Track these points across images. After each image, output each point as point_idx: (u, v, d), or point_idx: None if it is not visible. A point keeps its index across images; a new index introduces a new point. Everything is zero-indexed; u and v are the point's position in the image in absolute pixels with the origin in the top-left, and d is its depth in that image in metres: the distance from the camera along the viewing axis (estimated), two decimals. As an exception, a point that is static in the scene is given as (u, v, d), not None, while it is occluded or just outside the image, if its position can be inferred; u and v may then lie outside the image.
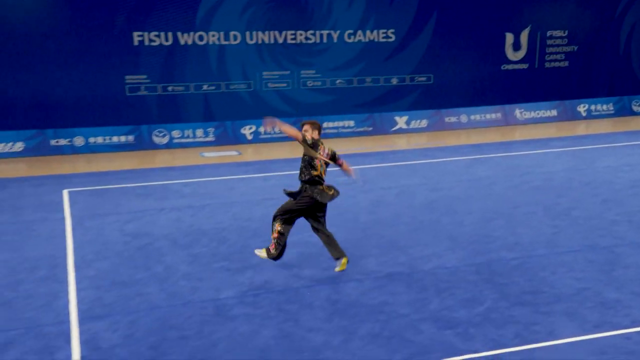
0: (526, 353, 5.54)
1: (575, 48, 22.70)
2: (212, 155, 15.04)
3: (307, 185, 7.15)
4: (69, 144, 15.37)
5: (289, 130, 7.07)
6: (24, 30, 16.73)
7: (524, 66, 22.24)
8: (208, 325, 6.16)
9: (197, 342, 5.83)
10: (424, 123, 17.93)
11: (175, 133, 16.03)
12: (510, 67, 22.08)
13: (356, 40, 20.11)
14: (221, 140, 16.29)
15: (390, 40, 20.42)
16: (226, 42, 18.97)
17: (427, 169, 12.86)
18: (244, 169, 13.24)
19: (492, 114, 18.66)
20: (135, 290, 7.02)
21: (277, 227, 7.22)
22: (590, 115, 19.48)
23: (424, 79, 20.99)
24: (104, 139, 15.54)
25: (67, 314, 6.46)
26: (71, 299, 6.84)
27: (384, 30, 20.29)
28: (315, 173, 7.12)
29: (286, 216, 7.30)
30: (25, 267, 7.80)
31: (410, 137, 17.34)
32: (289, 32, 19.46)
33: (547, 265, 7.56)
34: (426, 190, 11.10)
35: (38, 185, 11.99)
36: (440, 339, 5.79)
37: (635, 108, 20.01)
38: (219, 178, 12.33)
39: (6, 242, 8.74)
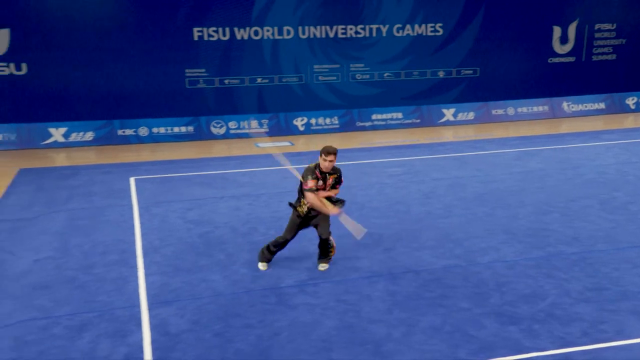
0: (595, 352, 5.17)
1: (624, 41, 21.82)
2: (267, 145, 14.85)
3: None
4: (134, 134, 15.42)
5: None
6: (94, 28, 16.97)
7: (571, 59, 21.47)
8: (270, 314, 5.97)
9: (261, 331, 5.64)
10: (471, 115, 17.42)
11: (232, 124, 15.93)
12: (557, 60, 21.34)
13: (404, 34, 19.71)
14: (274, 131, 16.12)
15: (438, 34, 19.96)
16: (280, 37, 18.84)
17: (477, 161, 12.42)
18: (296, 159, 12.95)
19: (540, 106, 18.03)
20: (200, 277, 6.90)
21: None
22: (639, 109, 18.64)
23: (470, 72, 20.49)
24: (166, 130, 15.56)
25: (137, 298, 6.39)
26: (140, 283, 6.78)
27: (432, 24, 19.85)
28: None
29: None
30: (97, 251, 7.79)
31: (457, 129, 16.88)
32: (340, 27, 19.20)
33: (609, 261, 7.12)
34: (477, 183, 10.68)
35: (107, 173, 12.05)
36: (504, 335, 5.46)
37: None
38: (274, 168, 12.11)
39: (80, 227, 8.75)
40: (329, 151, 6.76)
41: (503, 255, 7.34)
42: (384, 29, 19.53)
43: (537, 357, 5.10)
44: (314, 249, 7.44)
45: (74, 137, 15.06)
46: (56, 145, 15.02)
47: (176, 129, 15.62)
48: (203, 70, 18.37)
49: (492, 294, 6.29)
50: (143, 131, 15.42)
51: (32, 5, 16.80)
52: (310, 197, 6.71)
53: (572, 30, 21.20)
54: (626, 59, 21.92)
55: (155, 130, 15.51)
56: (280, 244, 7.08)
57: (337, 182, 7.08)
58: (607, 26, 21.58)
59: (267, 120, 16.15)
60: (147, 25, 17.41)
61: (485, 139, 14.93)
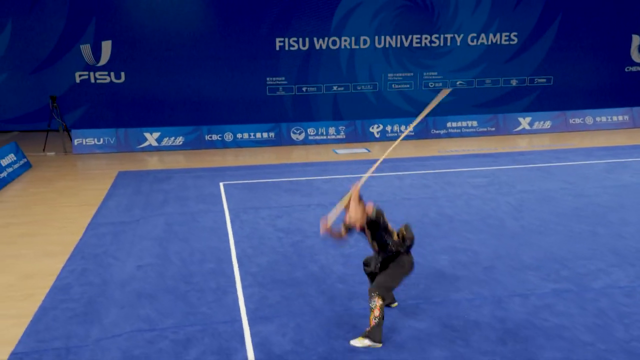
0: None
1: None
2: (344, 152, 14.22)
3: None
4: (220, 139, 15.05)
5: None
6: (183, 39, 16.98)
7: (649, 68, 20.07)
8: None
9: (366, 357, 4.99)
10: (547, 124, 16.26)
11: (310, 130, 15.37)
12: (635, 69, 19.99)
13: (479, 43, 18.90)
14: (351, 138, 15.47)
15: (512, 42, 19.06)
16: (356, 47, 18.41)
17: (564, 172, 11.38)
18: (379, 169, 12.28)
19: (620, 116, 16.70)
20: (297, 291, 6.28)
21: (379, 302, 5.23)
22: None
23: (543, 80, 19.48)
24: (249, 135, 15.14)
25: (238, 312, 5.85)
26: (239, 296, 6.22)
27: (507, 33, 18.97)
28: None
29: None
30: (194, 259, 7.30)
31: (532, 138, 15.78)
32: (415, 36, 18.57)
33: None
34: (570, 196, 9.69)
35: (197, 178, 11.61)
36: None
37: None
38: (354, 175, 11.45)
39: (177, 233, 8.30)
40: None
41: (616, 280, 6.41)
42: (459, 38, 18.77)
43: (685, 408, 4.27)
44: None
45: (165, 141, 14.83)
46: (150, 148, 14.84)
47: (258, 135, 15.19)
48: (283, 78, 18.13)
49: (616, 326, 5.41)
50: (228, 137, 15.05)
51: (132, 18, 16.89)
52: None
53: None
54: None
55: (239, 135, 15.12)
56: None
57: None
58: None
59: (344, 127, 15.51)
60: (232, 35, 17.36)
61: (567, 149, 13.81)
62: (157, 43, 16.80)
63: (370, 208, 5.47)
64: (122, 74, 17.04)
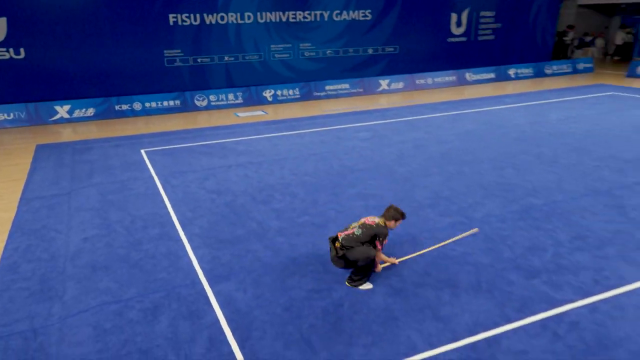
0: (614, 300, 4.55)
1: (500, 25, 21.53)
2: (244, 115, 13.38)
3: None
4: (129, 108, 13.36)
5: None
6: (82, 15, 14.69)
7: (464, 39, 21.00)
8: (323, 283, 4.94)
9: (323, 302, 4.63)
10: (400, 85, 16.51)
11: (212, 97, 14.19)
12: (454, 40, 20.80)
13: (342, 18, 18.45)
14: (248, 102, 14.54)
15: (367, 18, 18.84)
16: (242, 22, 17.13)
17: (423, 124, 11.54)
18: (277, 127, 11.69)
19: (449, 77, 17.35)
20: (243, 248, 5.69)
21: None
22: (517, 77, 18.38)
23: (392, 49, 19.58)
24: (157, 104, 13.61)
25: (195, 274, 5.18)
26: (192, 258, 5.51)
27: (363, 11, 18.69)
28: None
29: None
30: (137, 226, 6.33)
31: (390, 97, 15.92)
32: (291, 13, 17.69)
33: (573, 210, 6.49)
34: (434, 143, 9.81)
35: (117, 147, 10.14)
36: (534, 289, 4.74)
37: (547, 71, 18.99)
38: (263, 136, 10.79)
39: (112, 202, 7.15)
40: (404, 216, 5.01)
41: (491, 210, 6.58)
42: (326, 14, 18.20)
43: (573, 309, 4.43)
44: (333, 214, 6.45)
45: (77, 113, 12.89)
46: (62, 121, 12.85)
47: (165, 103, 13.73)
48: (179, 50, 16.52)
49: (502, 248, 5.54)
50: (137, 106, 13.44)
51: (26, -5, 14.19)
52: (380, 255, 4.95)
53: (464, 16, 20.64)
54: (502, 39, 21.74)
55: (147, 104, 13.56)
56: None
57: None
58: (489, 13, 21.18)
59: (241, 93, 14.53)
60: (128, 11, 15.38)
61: (419, 104, 14.07)
62: (54, 18, 14.35)
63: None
64: (22, 50, 14.45)
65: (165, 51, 16.17)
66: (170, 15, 15.83)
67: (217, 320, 4.39)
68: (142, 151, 9.75)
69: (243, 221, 6.42)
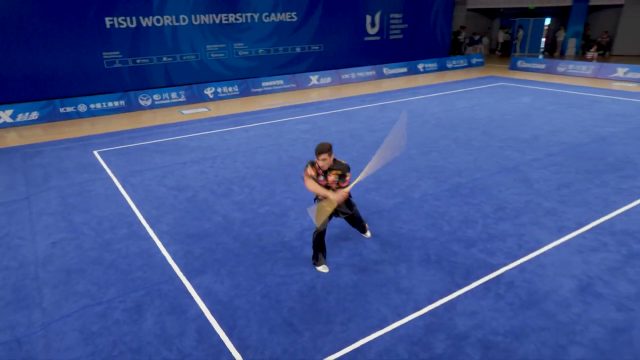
0: (536, 260, 4.89)
1: (407, 26, 22.10)
2: (189, 112, 12.72)
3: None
4: (74, 110, 12.18)
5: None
6: (19, 19, 13.12)
7: (378, 38, 21.34)
8: (294, 267, 4.87)
9: (299, 286, 4.55)
10: (328, 79, 16.48)
11: (156, 96, 13.31)
12: (370, 38, 21.07)
13: (271, 20, 18.02)
14: (190, 100, 13.80)
15: (293, 20, 18.54)
16: (177, 24, 16.22)
17: (356, 115, 11.62)
18: (222, 123, 11.25)
19: (370, 71, 17.57)
20: (213, 242, 5.44)
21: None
22: (425, 71, 19.03)
23: (317, 47, 19.48)
24: (102, 105, 12.54)
25: (171, 270, 4.87)
26: (165, 255, 5.16)
27: (289, 13, 18.37)
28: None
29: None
30: (105, 227, 5.83)
31: (320, 91, 15.86)
32: (223, 15, 17.01)
33: (491, 185, 6.87)
34: (368, 132, 9.93)
35: (68, 149, 9.23)
36: (474, 257, 4.97)
37: (448, 65, 19.84)
38: (212, 132, 10.33)
39: (74, 205, 6.52)
40: (320, 150, 4.38)
41: (425, 189, 6.79)
42: (256, 17, 17.70)
43: (507, 271, 4.71)
44: (289, 203, 6.33)
45: (20, 117, 11.57)
46: (5, 125, 11.48)
47: (110, 104, 12.70)
48: (118, 52, 15.36)
49: (442, 223, 5.75)
50: (82, 107, 12.30)
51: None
52: (306, 183, 4.58)
53: (377, 18, 20.94)
54: (409, 38, 22.37)
55: (92, 105, 12.46)
56: (318, 242, 4.73)
57: (341, 179, 4.57)
58: (397, 15, 21.64)
59: (183, 92, 13.76)
60: (64, 15, 13.99)
61: (348, 97, 14.14)
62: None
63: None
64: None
65: (103, 53, 14.98)
66: (107, 19, 14.64)
67: (202, 313, 4.17)
68: (95, 152, 8.97)
69: (208, 215, 6.13)
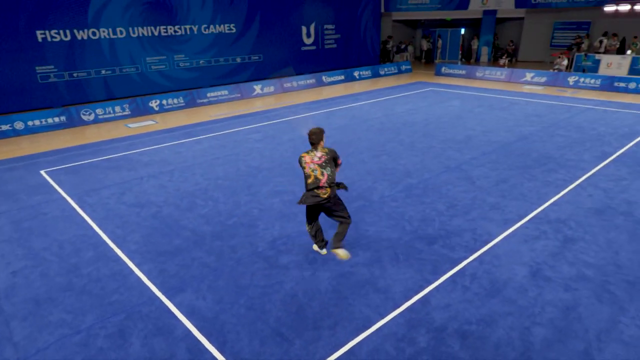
0: (491, 251, 5.21)
1: (340, 36, 22.55)
2: (135, 125, 12.03)
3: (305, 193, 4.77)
4: (10, 128, 11.04)
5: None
6: None
7: (314, 48, 21.57)
8: (273, 278, 4.79)
9: (281, 295, 4.49)
10: (271, 89, 16.35)
11: (99, 111, 12.42)
12: (306, 48, 21.26)
13: (210, 32, 17.62)
14: (135, 113, 13.04)
15: (232, 31, 18.27)
16: (115, 36, 15.37)
17: (303, 122, 11.67)
18: (173, 135, 10.78)
19: (310, 80, 17.66)
20: (187, 257, 5.22)
21: (307, 228, 5.13)
22: (361, 78, 19.50)
23: (257, 57, 19.31)
24: (41, 121, 11.48)
25: (149, 290, 4.60)
26: (140, 275, 4.86)
27: (228, 24, 18.11)
28: (308, 181, 4.68)
29: (308, 217, 5.01)
30: (68, 251, 5.37)
31: (265, 99, 15.70)
32: (162, 27, 16.40)
33: (439, 184, 7.20)
34: (318, 139, 10.01)
35: (11, 170, 8.36)
36: (437, 253, 5.20)
37: (381, 72, 20.48)
38: (164, 145, 9.86)
39: (30, 229, 5.94)
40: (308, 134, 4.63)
41: (382, 191, 6.97)
42: (195, 28, 17.23)
43: (468, 264, 4.98)
44: (257, 212, 6.22)
45: (-50, 137, 10.34)
46: None
47: (50, 120, 11.68)
48: (52, 66, 14.27)
49: (403, 223, 5.94)
50: (19, 125, 11.20)
51: None
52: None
53: (312, 28, 21.17)
54: (342, 47, 22.85)
55: (30, 123, 11.38)
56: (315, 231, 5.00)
57: (332, 159, 4.71)
58: (330, 26, 22.03)
59: (127, 105, 12.98)
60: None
61: (293, 105, 14.12)
62: None
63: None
64: None
65: (37, 67, 13.82)
66: (38, 32, 13.54)
67: (189, 331, 4.00)
68: (42, 172, 8.22)
69: (176, 231, 5.86)
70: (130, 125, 11.98)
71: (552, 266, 4.87)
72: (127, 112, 12.87)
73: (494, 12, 23.37)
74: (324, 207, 4.79)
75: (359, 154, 8.87)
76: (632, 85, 14.87)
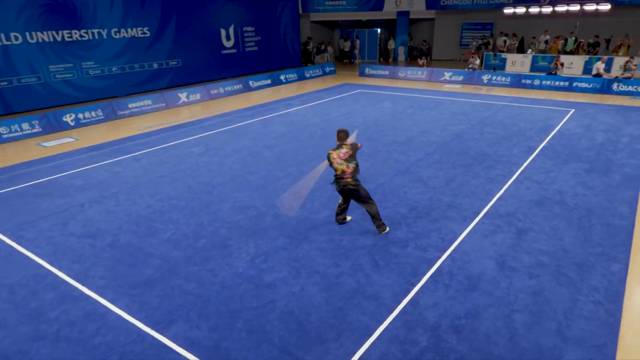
0: (459, 248, 5.81)
1: (260, 38, 22.69)
2: (52, 144, 11.05)
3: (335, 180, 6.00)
4: None
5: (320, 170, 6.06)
6: None
7: (234, 51, 21.49)
8: (263, 298, 4.91)
9: (277, 314, 4.64)
10: (197, 96, 15.98)
11: (3, 129, 11.19)
12: (227, 52, 21.13)
13: (122, 36, 16.81)
14: (48, 130, 11.94)
15: (146, 35, 17.61)
16: (9, 42, 14.05)
17: (243, 131, 11.59)
18: (103, 153, 10.14)
19: (236, 85, 17.54)
20: (166, 287, 5.11)
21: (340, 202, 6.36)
22: (287, 81, 19.79)
23: (175, 62, 18.80)
24: None
25: (135, 328, 4.46)
26: (118, 312, 4.67)
27: (141, 28, 17.46)
28: (337, 173, 5.91)
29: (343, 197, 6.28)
30: (22, 295, 4.96)
31: (191, 108, 15.28)
32: (65, 32, 15.35)
33: (396, 188, 7.73)
34: (264, 149, 10.06)
35: None
36: (412, 255, 5.67)
37: (306, 75, 20.95)
38: (96, 165, 9.24)
39: (-32, 279, 5.32)
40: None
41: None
42: (104, 32, 16.33)
43: (443, 263, 5.51)
44: (223, 232, 6.24)
45: None
46: None
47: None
48: None
49: (374, 229, 6.35)
50: None
51: None
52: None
53: (231, 31, 21.08)
54: (263, 49, 23.00)
55: None
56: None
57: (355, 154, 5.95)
58: (250, 28, 22.10)
59: (37, 121, 11.85)
60: None
61: (225, 113, 13.93)
62: None
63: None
64: None
65: None
66: None
67: (193, 363, 4.00)
68: (-46, 206, 7.32)
69: (143, 260, 5.68)
70: (46, 145, 11.01)
71: (514, 257, 5.61)
72: (37, 129, 11.76)
73: (407, 13, 25.12)
74: (352, 193, 5.92)
75: (309, 161, 9.15)
76: (537, 82, 17.04)
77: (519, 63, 20.75)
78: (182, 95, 15.45)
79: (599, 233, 6.11)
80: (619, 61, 17.88)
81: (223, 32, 20.66)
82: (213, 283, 5.17)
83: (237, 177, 8.38)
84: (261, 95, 17.16)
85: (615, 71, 17.66)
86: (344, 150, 5.85)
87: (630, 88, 15.28)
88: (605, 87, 15.73)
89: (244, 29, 21.77)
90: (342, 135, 5.89)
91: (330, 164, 5.90)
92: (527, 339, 4.24)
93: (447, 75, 19.06)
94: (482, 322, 4.47)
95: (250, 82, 18.04)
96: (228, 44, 21.07)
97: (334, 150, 5.90)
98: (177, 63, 18.77)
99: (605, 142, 10.01)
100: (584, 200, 7.11)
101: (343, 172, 5.84)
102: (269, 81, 18.83)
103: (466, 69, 19.53)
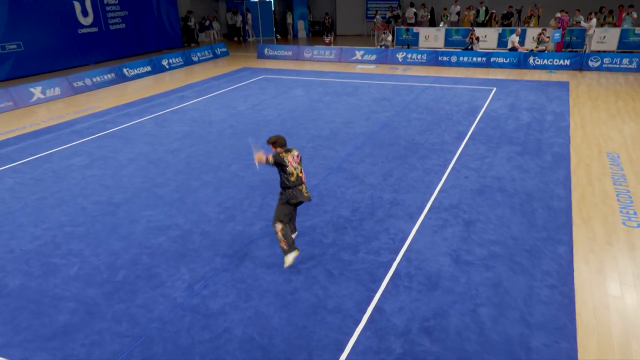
0: (411, 248, 6.61)
1: (126, 13, 22.13)
2: None
3: (286, 190, 6.08)
4: None
5: (262, 158, 5.89)
6: None
7: (95, 29, 20.75)
8: (215, 328, 5.16)
9: (236, 344, 4.97)
10: (58, 90, 15.12)
11: None
12: (85, 30, 20.32)
13: None
14: None
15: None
16: None
17: (133, 135, 11.32)
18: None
19: (108, 74, 16.90)
20: (91, 333, 5.12)
21: (279, 228, 6.06)
22: (171, 67, 19.51)
23: (14, 46, 17.64)
24: None
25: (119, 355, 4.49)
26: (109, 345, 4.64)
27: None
28: (291, 179, 5.98)
29: (286, 216, 6.17)
30: None
31: (50, 106, 14.46)
32: None
33: (332, 188, 8.33)
34: (167, 153, 10.04)
35: None
36: (366, 260, 6.31)
37: (194, 58, 20.84)
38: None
39: None
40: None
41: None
42: None
43: (399, 264, 6.26)
44: (200, 242, 6.38)
45: None
46: None
47: None
48: None
49: (319, 237, 6.89)
50: None
51: None
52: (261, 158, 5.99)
53: (88, 5, 20.30)
54: (133, 27, 22.45)
55: None
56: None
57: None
58: (112, 1, 21.45)
59: None
60: None
61: (100, 112, 13.40)
62: None
63: (270, 157, 5.90)
64: None
65: None
66: None
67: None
68: None
69: (50, 304, 5.57)
70: None
71: (467, 250, 6.57)
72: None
73: (305, -18, 26.15)
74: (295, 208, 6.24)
75: (227, 166, 9.45)
76: (454, 58, 19.00)
77: (432, 38, 22.82)
78: (36, 90, 14.56)
79: (541, 217, 7.37)
80: (532, 33, 20.63)
81: (77, 6, 19.74)
82: (150, 320, 5.33)
83: (143, 192, 8.39)
84: (140, 86, 16.80)
85: (529, 44, 20.36)
86: (296, 153, 6.03)
87: (545, 62, 17.83)
88: (522, 62, 18.13)
89: (105, 1, 21.00)
90: (283, 140, 6.01)
91: (281, 167, 5.89)
92: (496, 331, 5.14)
93: (358, 54, 20.33)
94: (450, 321, 5.29)
95: (125, 70, 17.52)
96: (85, 21, 20.17)
97: (285, 152, 5.93)
98: (18, 47, 17.55)
99: (531, 122, 11.74)
100: (522, 185, 8.43)
101: (298, 177, 5.99)
102: (148, 68, 18.44)
103: (378, 46, 21.00)
